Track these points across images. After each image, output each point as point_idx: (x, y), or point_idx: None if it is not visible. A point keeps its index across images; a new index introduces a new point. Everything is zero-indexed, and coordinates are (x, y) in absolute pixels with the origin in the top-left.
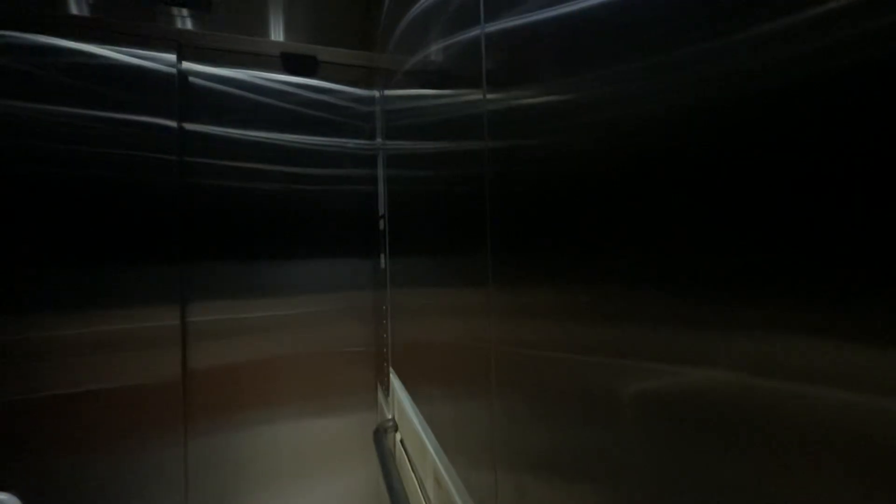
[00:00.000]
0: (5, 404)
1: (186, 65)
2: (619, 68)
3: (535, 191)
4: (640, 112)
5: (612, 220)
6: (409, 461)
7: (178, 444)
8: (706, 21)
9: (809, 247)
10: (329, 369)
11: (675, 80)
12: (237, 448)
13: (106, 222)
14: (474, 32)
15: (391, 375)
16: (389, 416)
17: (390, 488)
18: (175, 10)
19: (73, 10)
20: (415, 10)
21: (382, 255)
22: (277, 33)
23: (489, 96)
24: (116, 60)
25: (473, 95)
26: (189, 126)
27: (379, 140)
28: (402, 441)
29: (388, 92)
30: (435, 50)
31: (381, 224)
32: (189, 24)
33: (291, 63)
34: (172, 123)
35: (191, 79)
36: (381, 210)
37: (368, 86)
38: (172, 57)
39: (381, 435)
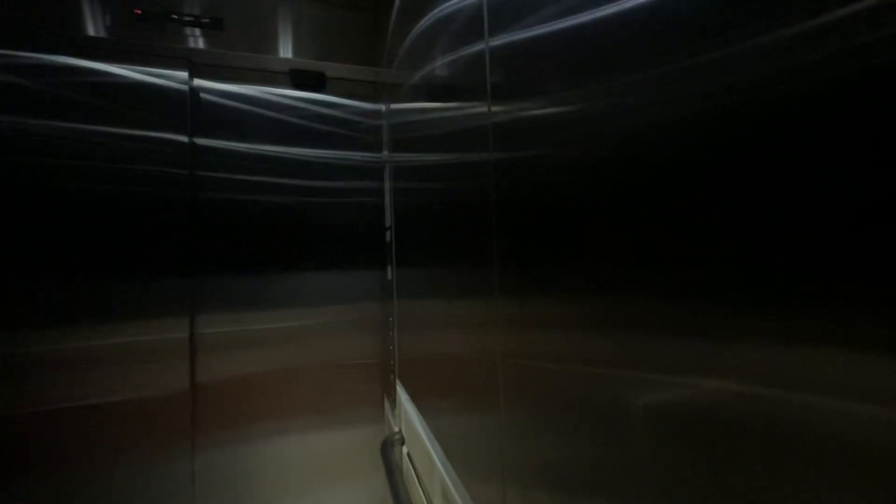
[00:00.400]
0: (12, 417)
1: (198, 82)
2: (621, 80)
3: (540, 202)
4: (642, 122)
5: (618, 231)
6: (417, 475)
7: (186, 456)
8: (706, 34)
9: (814, 257)
10: (336, 381)
11: (677, 91)
12: (245, 461)
13: (117, 236)
14: (479, 47)
15: (398, 388)
16: (396, 429)
17: (397, 502)
18: (187, 30)
19: (90, 31)
20: (420, 25)
21: (389, 267)
22: (286, 50)
23: (494, 109)
24: (130, 78)
25: (478, 108)
26: (200, 141)
27: (385, 153)
28: (409, 454)
29: (394, 106)
30: (440, 64)
31: (388, 236)
32: (201, 43)
33: (300, 79)
34: (184, 138)
35: (202, 95)
36: (388, 222)
37: (375, 100)
38: (184, 74)
39: (388, 448)
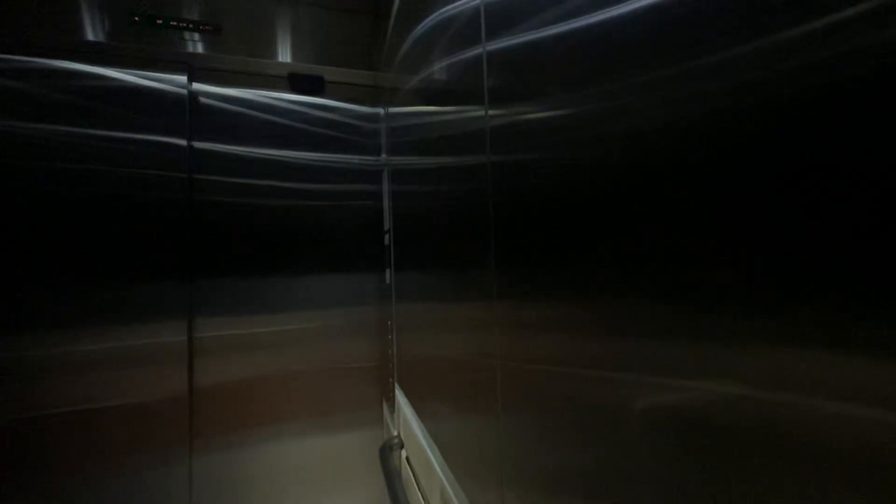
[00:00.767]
0: (10, 422)
1: (197, 86)
2: (616, 84)
3: (537, 205)
4: (639, 125)
5: (616, 234)
6: (415, 479)
7: (184, 461)
8: (701, 38)
9: (812, 259)
10: (335, 385)
11: (674, 94)
12: (242, 465)
13: (116, 239)
14: (476, 51)
15: (396, 391)
16: (395, 433)
17: None
18: (187, 35)
19: (90, 36)
20: (418, 30)
21: (388, 270)
22: (285, 55)
23: (491, 112)
24: (130, 83)
25: (476, 112)
26: (198, 144)
27: (384, 156)
28: (407, 458)
29: (392, 109)
30: (438, 68)
31: (387, 239)
32: (200, 48)
33: (298, 83)
34: (182, 142)
35: (201, 99)
36: (387, 225)
37: (373, 103)
38: (183, 78)
39: (387, 452)
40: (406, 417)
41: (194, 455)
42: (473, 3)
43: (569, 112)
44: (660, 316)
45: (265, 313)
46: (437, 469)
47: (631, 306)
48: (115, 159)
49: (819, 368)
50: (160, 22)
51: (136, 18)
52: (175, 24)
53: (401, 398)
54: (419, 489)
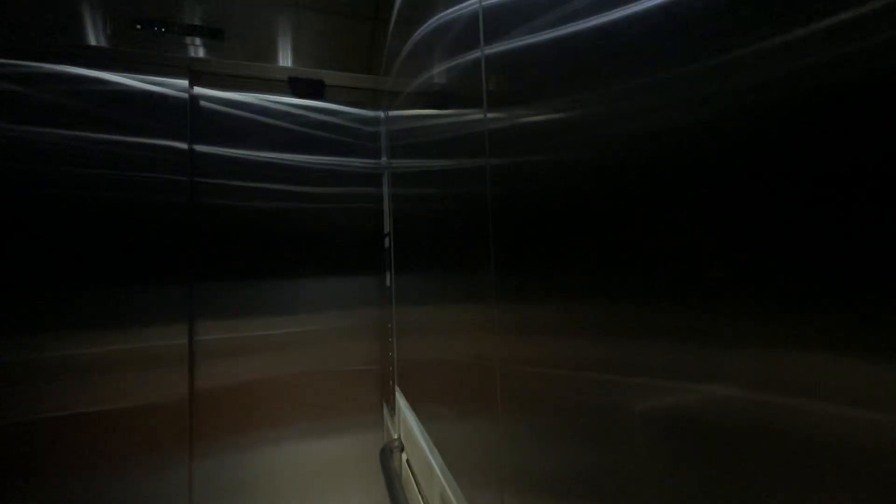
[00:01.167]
0: (11, 425)
1: (198, 90)
2: (614, 87)
3: (536, 207)
4: (637, 127)
5: (615, 236)
6: (416, 482)
7: (184, 464)
8: (698, 41)
9: (813, 261)
10: (335, 388)
11: (672, 96)
12: (243, 468)
13: (117, 242)
14: (475, 55)
15: (397, 394)
16: (395, 436)
17: None
18: (188, 40)
19: (92, 41)
20: (418, 34)
21: (388, 273)
22: (286, 59)
23: (490, 115)
24: (132, 87)
25: (475, 115)
26: (199, 148)
27: (384, 159)
28: (408, 461)
29: (392, 112)
30: (437, 72)
31: (387, 242)
32: (201, 52)
33: (299, 87)
34: (183, 146)
35: (202, 103)
36: (387, 228)
37: (374, 107)
38: (185, 83)
39: (387, 455)
40: (406, 420)
41: (194, 459)
42: (472, 7)
43: (566, 115)
44: (659, 318)
45: (266, 316)
46: (438, 472)
47: (630, 308)
48: (117, 163)
49: (819, 369)
50: (162, 28)
51: (139, 26)
52: (177, 28)
53: (401, 401)
54: (419, 492)
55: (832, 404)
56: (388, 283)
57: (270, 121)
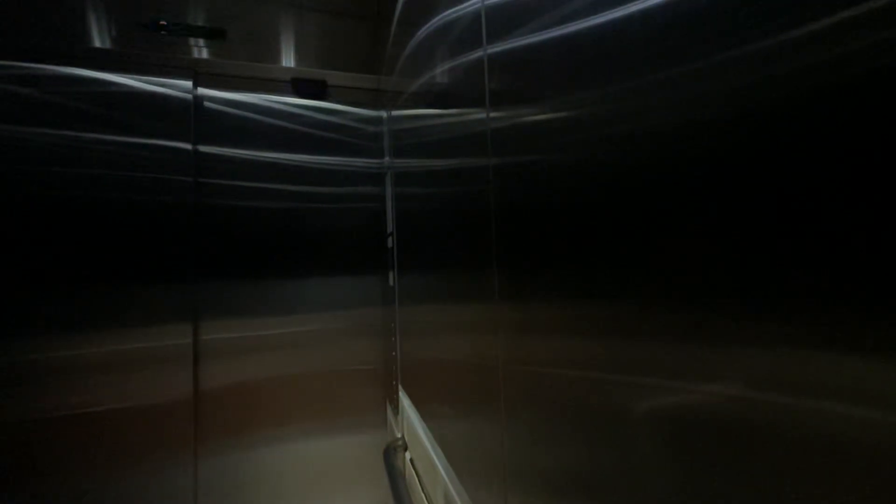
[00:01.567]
0: (15, 425)
1: (202, 90)
2: (617, 86)
3: (539, 206)
4: (639, 127)
5: (618, 235)
6: (420, 481)
7: (189, 463)
8: (701, 40)
9: (814, 261)
10: (339, 388)
11: (674, 95)
12: (248, 468)
13: (121, 242)
14: (477, 54)
15: (400, 393)
16: (399, 435)
17: None
18: (191, 41)
19: (96, 42)
20: (420, 34)
21: (391, 273)
22: (289, 59)
23: (492, 115)
24: (135, 88)
25: (477, 114)
26: (203, 148)
27: (387, 159)
28: (411, 460)
29: (395, 112)
30: (440, 71)
31: (390, 241)
32: (205, 53)
33: (302, 87)
34: (188, 146)
35: (206, 103)
36: (390, 228)
37: (376, 107)
38: (188, 83)
39: (391, 454)
40: (410, 419)
41: (199, 458)
42: (474, 7)
43: (569, 114)
44: (662, 317)
45: (270, 316)
46: (441, 471)
47: (634, 308)
48: (121, 164)
49: (819, 369)
50: (166, 29)
51: (143, 27)
52: (180, 30)
53: (404, 400)
54: (423, 491)
55: (833, 404)
56: (391, 282)
57: (273, 121)
